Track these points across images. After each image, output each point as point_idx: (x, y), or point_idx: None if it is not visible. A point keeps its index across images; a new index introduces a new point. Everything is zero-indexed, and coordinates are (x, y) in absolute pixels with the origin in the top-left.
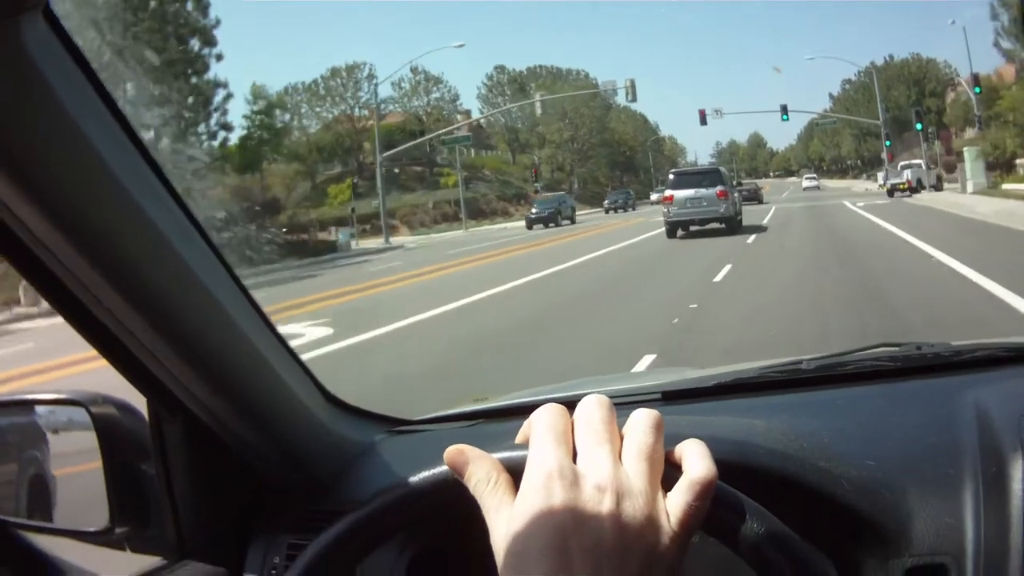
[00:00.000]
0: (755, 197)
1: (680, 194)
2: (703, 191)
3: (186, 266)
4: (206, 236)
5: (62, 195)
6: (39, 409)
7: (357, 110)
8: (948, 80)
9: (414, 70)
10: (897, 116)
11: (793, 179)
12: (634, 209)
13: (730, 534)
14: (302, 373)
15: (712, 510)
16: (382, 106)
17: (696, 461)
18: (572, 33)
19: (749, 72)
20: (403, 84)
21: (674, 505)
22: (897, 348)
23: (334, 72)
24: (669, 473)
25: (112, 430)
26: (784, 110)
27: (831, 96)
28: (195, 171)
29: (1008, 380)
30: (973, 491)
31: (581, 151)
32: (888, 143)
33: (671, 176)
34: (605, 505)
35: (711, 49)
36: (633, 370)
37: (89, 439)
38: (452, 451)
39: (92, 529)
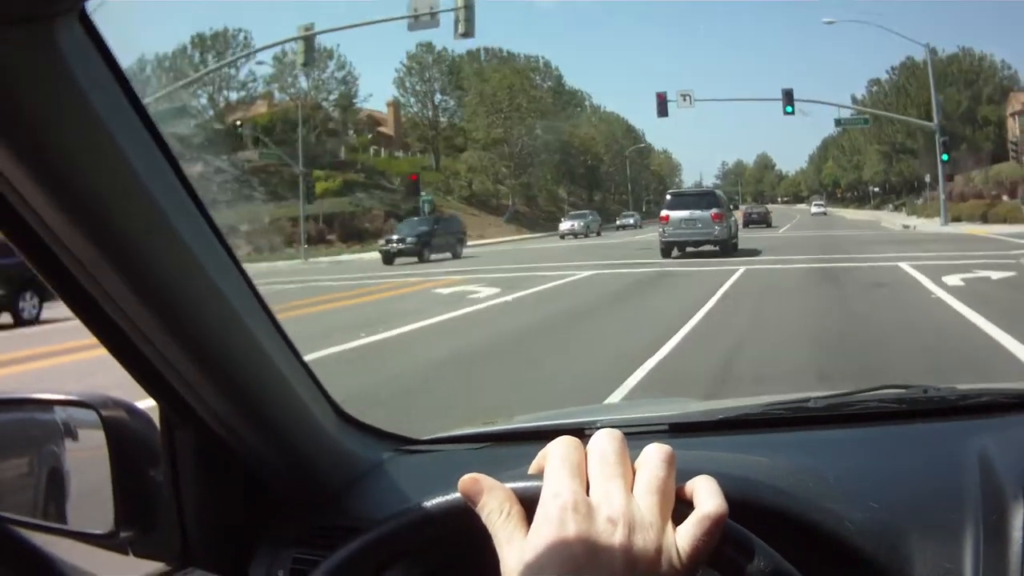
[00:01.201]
0: (764, 220)
1: (676, 215)
2: (698, 213)
3: (206, 274)
4: (226, 245)
5: (89, 198)
6: (51, 408)
7: (230, 93)
8: (1008, 84)
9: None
10: (943, 126)
11: (802, 206)
12: (598, 235)
13: (736, 571)
14: (314, 386)
15: (719, 546)
16: (250, 86)
17: (707, 498)
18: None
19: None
20: (284, 58)
21: (683, 539)
22: (903, 390)
23: (199, 41)
24: (679, 508)
25: (121, 433)
26: (788, 99)
27: (854, 99)
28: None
29: (1012, 427)
30: (973, 537)
31: (519, 156)
32: (946, 157)
33: (668, 197)
34: (617, 538)
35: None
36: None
37: (97, 441)
38: (467, 480)
39: (97, 531)
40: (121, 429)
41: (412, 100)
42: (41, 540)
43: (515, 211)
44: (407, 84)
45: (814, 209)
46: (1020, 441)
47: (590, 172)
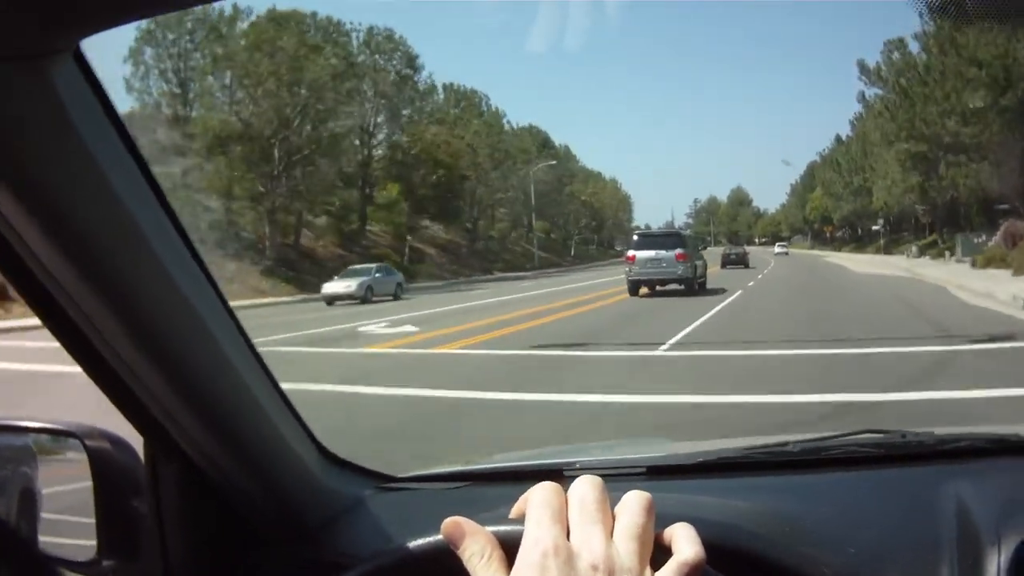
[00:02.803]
0: (741, 261)
1: (641, 255)
2: (663, 253)
3: (194, 311)
4: (212, 281)
5: (78, 232)
6: (34, 436)
7: None
8: None
9: None
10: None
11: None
12: (396, 299)
13: None
14: (296, 423)
15: None
16: None
17: (685, 544)
18: None
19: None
20: None
21: None
22: (881, 435)
23: None
24: (657, 554)
25: (105, 464)
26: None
27: (863, 68)
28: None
29: (989, 473)
30: None
31: (286, 161)
32: None
33: (635, 237)
34: None
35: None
36: None
37: (81, 471)
38: (449, 523)
39: (79, 559)
40: (105, 459)
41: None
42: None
43: (277, 254)
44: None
45: (777, 249)
46: (996, 487)
47: (444, 193)
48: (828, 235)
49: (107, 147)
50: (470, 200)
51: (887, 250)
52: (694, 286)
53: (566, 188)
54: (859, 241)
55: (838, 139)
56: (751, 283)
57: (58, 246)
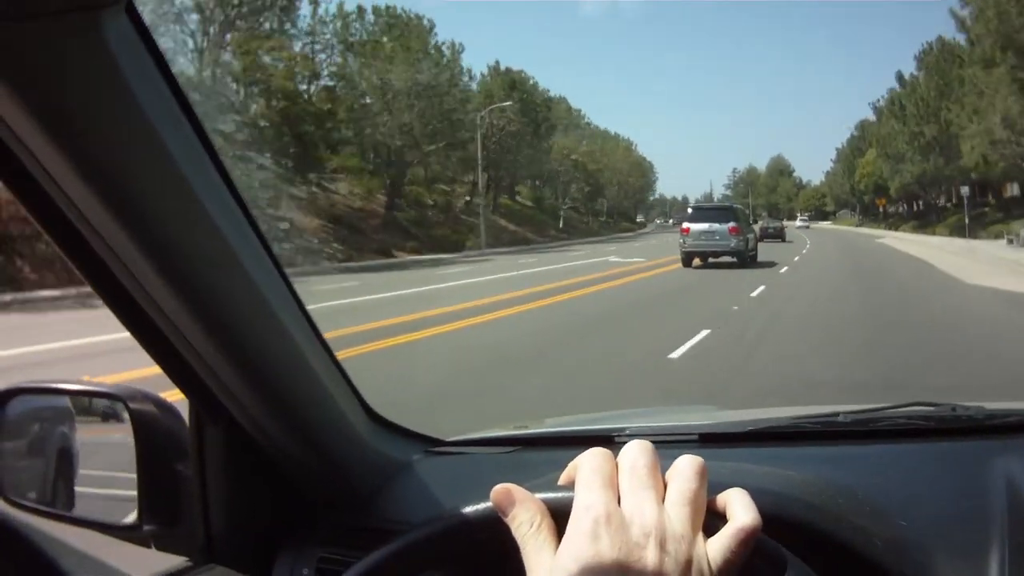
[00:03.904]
0: (779, 236)
1: (695, 227)
2: (716, 226)
3: (244, 272)
4: (265, 241)
5: (129, 191)
6: (79, 399)
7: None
8: None
9: None
10: None
11: (826, 224)
12: None
13: None
14: (346, 386)
15: (751, 560)
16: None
17: (741, 510)
18: None
19: None
20: None
21: (715, 552)
22: (932, 408)
23: None
24: (710, 520)
25: (149, 427)
26: None
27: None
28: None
29: None
30: (999, 559)
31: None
32: None
33: (689, 210)
34: (650, 550)
35: None
36: None
37: (124, 434)
38: (499, 490)
39: (120, 523)
40: (149, 422)
41: None
42: (60, 530)
43: None
44: None
45: (798, 224)
46: None
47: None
48: (881, 209)
49: (161, 105)
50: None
51: (971, 232)
52: (746, 259)
53: (544, 143)
54: (919, 218)
55: (900, 79)
56: (796, 257)
57: (103, 202)
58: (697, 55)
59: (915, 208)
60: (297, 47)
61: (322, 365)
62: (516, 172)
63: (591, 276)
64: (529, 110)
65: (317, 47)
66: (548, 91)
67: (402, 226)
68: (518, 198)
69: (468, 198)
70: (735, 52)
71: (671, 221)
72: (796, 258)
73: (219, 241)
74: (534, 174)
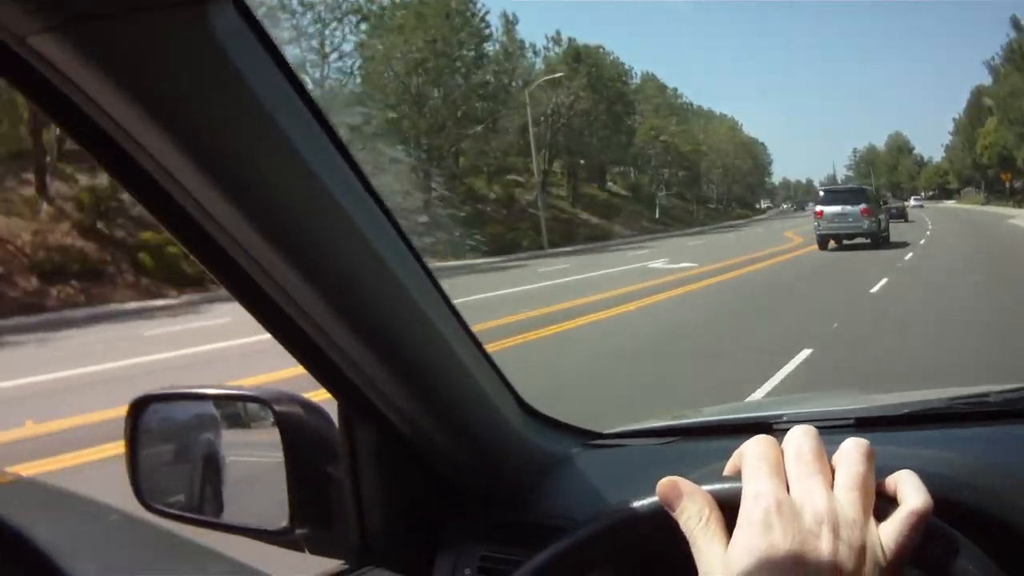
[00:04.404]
0: (901, 215)
1: (829, 210)
2: (849, 208)
3: (386, 268)
4: (403, 234)
5: (257, 189)
6: (221, 403)
7: None
8: None
9: None
10: None
11: (951, 203)
12: None
13: (940, 569)
14: (498, 379)
15: (924, 543)
16: None
17: (912, 492)
18: None
19: None
20: None
21: (888, 536)
22: None
23: None
24: (879, 504)
25: (296, 429)
26: None
27: None
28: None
29: None
30: None
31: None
32: None
33: (821, 193)
34: (824, 538)
35: None
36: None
37: (271, 438)
38: (665, 483)
39: (272, 528)
40: (296, 425)
41: None
42: (210, 537)
43: None
44: None
45: (912, 203)
46: None
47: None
48: (1007, 185)
49: (281, 98)
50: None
51: None
52: (879, 240)
53: (626, 121)
54: None
55: (1016, 24)
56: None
57: (233, 203)
58: (807, 34)
59: None
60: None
61: (472, 358)
62: (595, 157)
63: (571, 304)
64: (600, 86)
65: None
66: (625, 65)
67: (444, 224)
68: (612, 186)
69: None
70: (844, 27)
71: (791, 206)
72: (921, 240)
73: (356, 235)
74: (617, 159)
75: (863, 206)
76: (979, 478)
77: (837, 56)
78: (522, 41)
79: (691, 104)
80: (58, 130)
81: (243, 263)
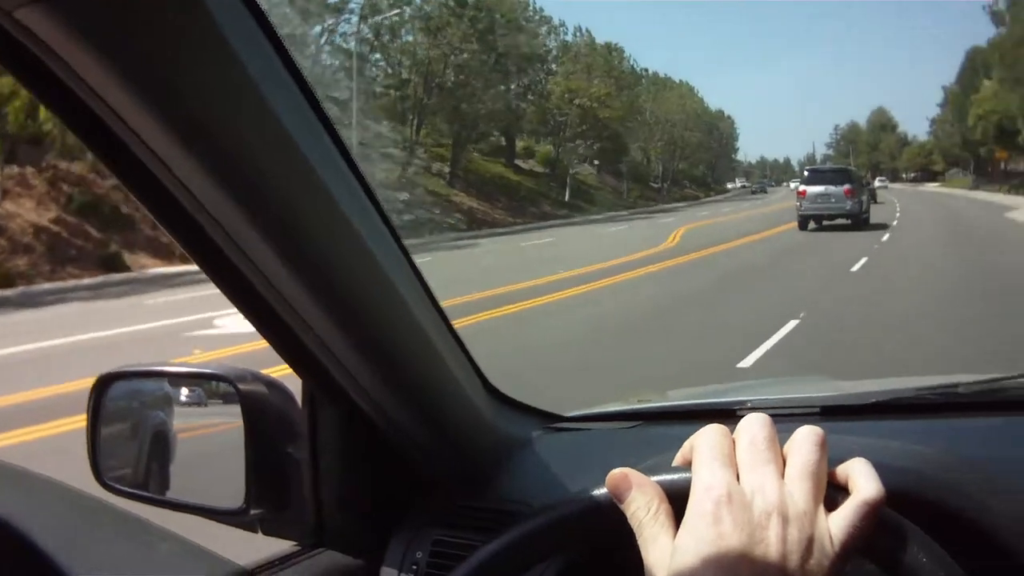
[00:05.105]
0: (872, 197)
1: (812, 190)
2: (832, 188)
3: (362, 244)
4: (382, 211)
5: (238, 164)
6: (184, 381)
7: None
8: None
9: None
10: None
11: (932, 187)
12: None
13: (892, 561)
14: (465, 360)
15: (875, 534)
16: None
17: (864, 482)
18: None
19: None
20: None
21: (837, 526)
22: None
23: None
24: (831, 493)
25: (260, 409)
26: None
27: None
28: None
29: None
30: None
31: None
32: None
33: (805, 173)
34: (772, 529)
35: None
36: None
37: (234, 416)
38: (615, 475)
39: (228, 508)
40: (259, 404)
41: None
42: (158, 515)
43: None
44: None
45: (876, 184)
46: None
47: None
48: (1002, 166)
49: (269, 73)
50: None
51: None
52: (860, 221)
53: (516, 81)
54: None
55: None
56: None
57: (213, 179)
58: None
59: None
60: None
61: (441, 338)
62: (487, 125)
63: None
64: (491, 36)
65: None
66: (533, 6)
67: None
68: (531, 162)
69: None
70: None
71: (746, 185)
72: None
73: (333, 211)
74: (502, 124)
75: (847, 187)
76: (946, 472)
77: (820, 28)
78: None
79: (646, 70)
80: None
81: (215, 236)
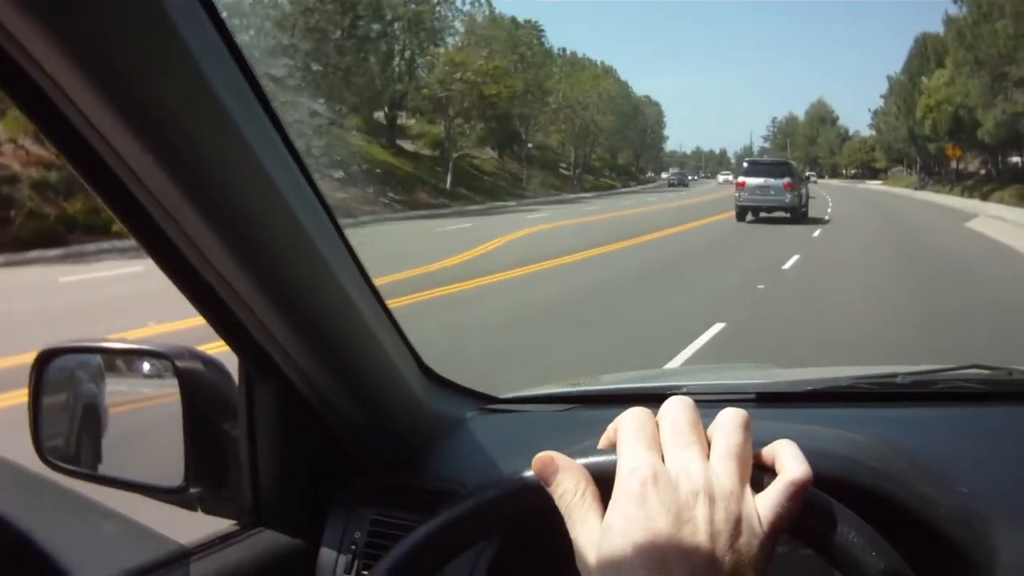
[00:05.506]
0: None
1: (751, 182)
2: (772, 181)
3: (297, 222)
4: (317, 190)
5: (174, 136)
6: (123, 357)
7: None
8: None
9: None
10: None
11: (874, 184)
12: None
13: (821, 540)
14: (400, 340)
15: (803, 514)
16: None
17: (791, 463)
18: None
19: None
20: None
21: (765, 506)
22: (989, 371)
23: None
24: (757, 474)
25: (196, 386)
26: None
27: None
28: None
29: None
30: None
31: None
32: None
33: (745, 164)
34: (699, 509)
35: None
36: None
37: (172, 394)
38: (541, 459)
39: (167, 486)
40: (197, 381)
41: None
42: (101, 493)
43: None
44: None
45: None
46: None
47: None
48: (954, 165)
49: (211, 52)
50: None
51: None
52: (799, 214)
53: (375, 46)
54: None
55: None
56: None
57: (144, 145)
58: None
59: (1006, 164)
60: None
61: (375, 317)
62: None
63: None
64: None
65: None
66: None
67: None
68: (419, 144)
69: None
70: None
71: (668, 178)
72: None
73: (269, 188)
74: (374, 99)
75: (786, 180)
76: (880, 460)
77: (762, 16)
78: None
79: (563, 50)
80: None
81: (148, 205)
